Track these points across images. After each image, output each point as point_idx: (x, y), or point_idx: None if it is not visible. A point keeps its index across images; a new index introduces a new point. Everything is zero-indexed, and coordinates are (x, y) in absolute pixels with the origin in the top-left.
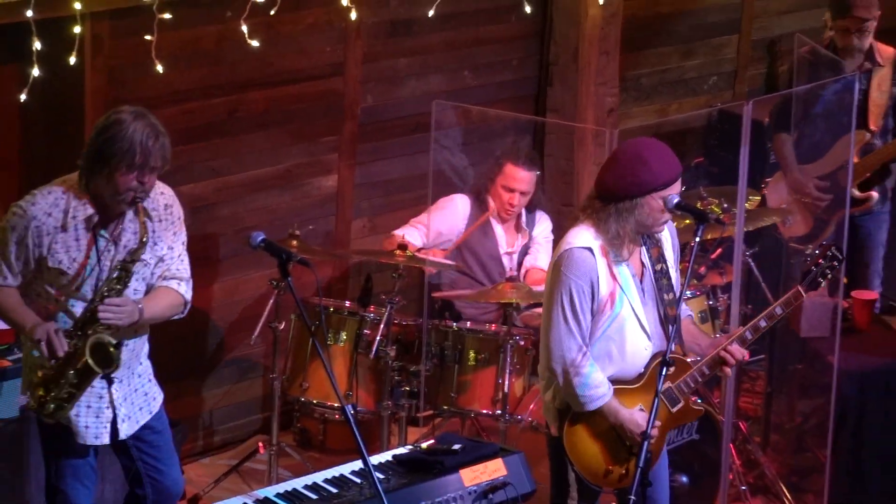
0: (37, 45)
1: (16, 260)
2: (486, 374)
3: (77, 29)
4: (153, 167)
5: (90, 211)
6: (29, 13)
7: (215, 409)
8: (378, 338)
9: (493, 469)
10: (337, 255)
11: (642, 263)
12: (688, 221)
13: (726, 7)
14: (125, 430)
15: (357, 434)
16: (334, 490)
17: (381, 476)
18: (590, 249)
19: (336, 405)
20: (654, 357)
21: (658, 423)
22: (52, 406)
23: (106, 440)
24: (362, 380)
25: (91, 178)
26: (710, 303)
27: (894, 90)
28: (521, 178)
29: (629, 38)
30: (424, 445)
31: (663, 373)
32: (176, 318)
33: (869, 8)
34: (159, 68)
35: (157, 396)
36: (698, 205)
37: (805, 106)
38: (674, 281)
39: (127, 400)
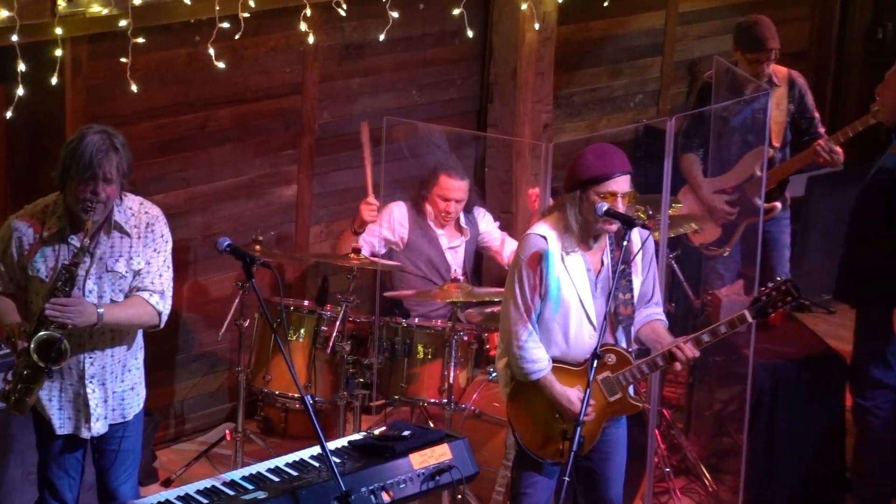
0: (21, 66)
1: (5, 268)
2: (433, 367)
3: (58, 52)
4: (106, 178)
5: (63, 223)
6: (14, 38)
7: (186, 399)
8: (334, 334)
9: (440, 453)
10: (296, 258)
11: (602, 261)
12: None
13: (650, 31)
14: (97, 429)
15: (315, 422)
16: (295, 473)
17: (338, 460)
18: (544, 237)
19: (296, 395)
20: (610, 349)
21: (592, 407)
22: (14, 398)
23: (85, 435)
24: (320, 372)
25: (63, 191)
26: None
27: (790, 107)
28: (456, 187)
29: (562, 60)
30: (377, 432)
31: (594, 365)
32: (152, 329)
33: (776, 38)
34: (134, 88)
35: (133, 405)
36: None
37: (713, 125)
38: (635, 287)
39: (107, 402)
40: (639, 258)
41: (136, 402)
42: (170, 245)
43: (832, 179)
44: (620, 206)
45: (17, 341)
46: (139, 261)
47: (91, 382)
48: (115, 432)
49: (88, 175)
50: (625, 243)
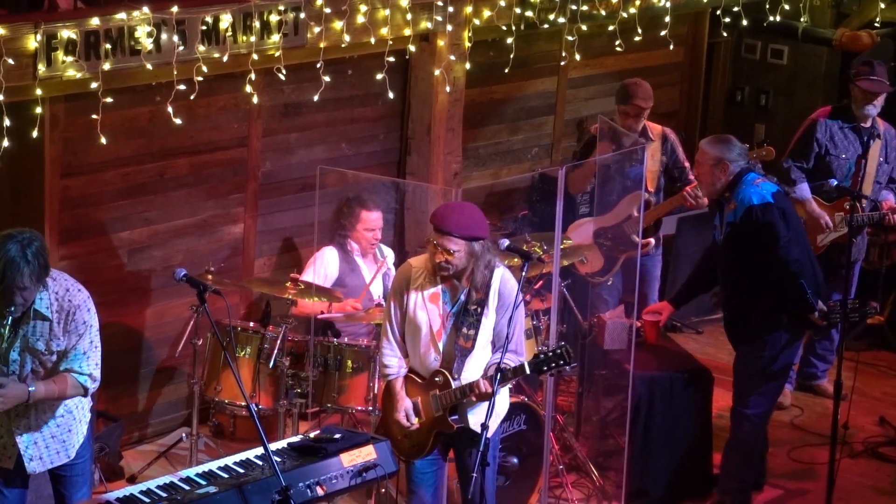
0: (6, 122)
1: None
2: (360, 379)
3: (38, 110)
4: (19, 287)
5: None
6: (0, 97)
7: (148, 407)
8: (275, 351)
9: (366, 453)
10: (243, 286)
11: (459, 298)
12: (516, 260)
13: (544, 94)
14: (33, 467)
15: (259, 426)
16: (242, 470)
17: (279, 459)
18: (411, 268)
19: (243, 404)
20: (439, 370)
21: (422, 419)
22: None
23: (9, 466)
24: (263, 384)
25: None
26: (535, 323)
27: (663, 158)
28: (376, 218)
29: (470, 118)
30: (312, 435)
31: (497, 379)
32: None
33: (647, 98)
34: (103, 140)
35: (75, 444)
36: (524, 247)
37: (598, 173)
38: (481, 328)
39: (37, 444)
40: (492, 301)
41: (77, 440)
42: (94, 328)
43: (698, 220)
44: (437, 257)
45: None
46: (59, 342)
47: (17, 430)
48: (71, 465)
49: (3, 287)
50: (523, 274)
